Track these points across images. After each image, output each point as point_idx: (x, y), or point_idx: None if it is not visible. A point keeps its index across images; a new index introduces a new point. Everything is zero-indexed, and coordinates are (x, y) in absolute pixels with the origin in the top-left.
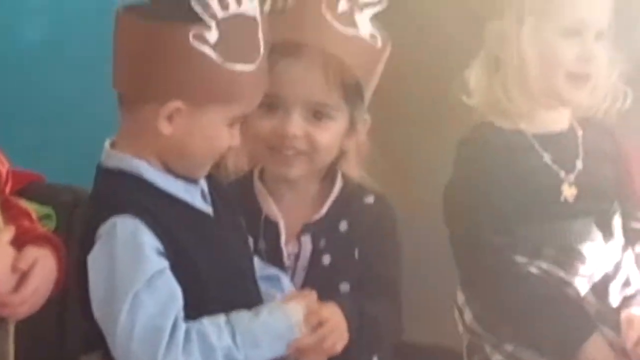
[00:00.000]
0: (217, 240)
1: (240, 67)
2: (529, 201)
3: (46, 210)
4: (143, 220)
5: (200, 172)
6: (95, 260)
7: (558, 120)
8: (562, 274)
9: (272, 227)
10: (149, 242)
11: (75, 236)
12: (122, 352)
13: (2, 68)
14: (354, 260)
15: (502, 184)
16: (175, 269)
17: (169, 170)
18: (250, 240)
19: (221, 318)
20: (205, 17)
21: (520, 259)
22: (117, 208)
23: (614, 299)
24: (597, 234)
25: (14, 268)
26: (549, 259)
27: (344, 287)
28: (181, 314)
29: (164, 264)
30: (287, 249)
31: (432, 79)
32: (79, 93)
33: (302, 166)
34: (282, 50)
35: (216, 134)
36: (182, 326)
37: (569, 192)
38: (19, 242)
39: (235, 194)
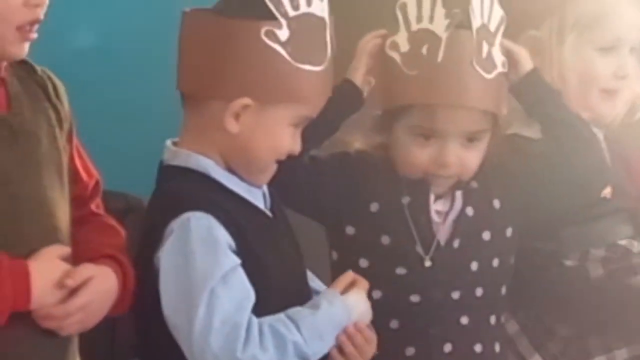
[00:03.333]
0: (279, 243)
1: (309, 67)
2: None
3: None
4: (215, 216)
5: (261, 178)
6: (168, 255)
7: None
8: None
9: (419, 184)
10: (223, 238)
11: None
12: (199, 347)
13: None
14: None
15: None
16: (244, 267)
17: (232, 172)
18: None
19: (282, 315)
20: (277, 14)
21: (569, 263)
22: (188, 204)
23: None
24: (631, 230)
25: (60, 284)
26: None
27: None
28: None
29: (237, 260)
30: (437, 205)
31: None
32: (131, 101)
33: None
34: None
35: (280, 135)
36: (256, 322)
37: (605, 189)
38: (83, 260)
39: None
